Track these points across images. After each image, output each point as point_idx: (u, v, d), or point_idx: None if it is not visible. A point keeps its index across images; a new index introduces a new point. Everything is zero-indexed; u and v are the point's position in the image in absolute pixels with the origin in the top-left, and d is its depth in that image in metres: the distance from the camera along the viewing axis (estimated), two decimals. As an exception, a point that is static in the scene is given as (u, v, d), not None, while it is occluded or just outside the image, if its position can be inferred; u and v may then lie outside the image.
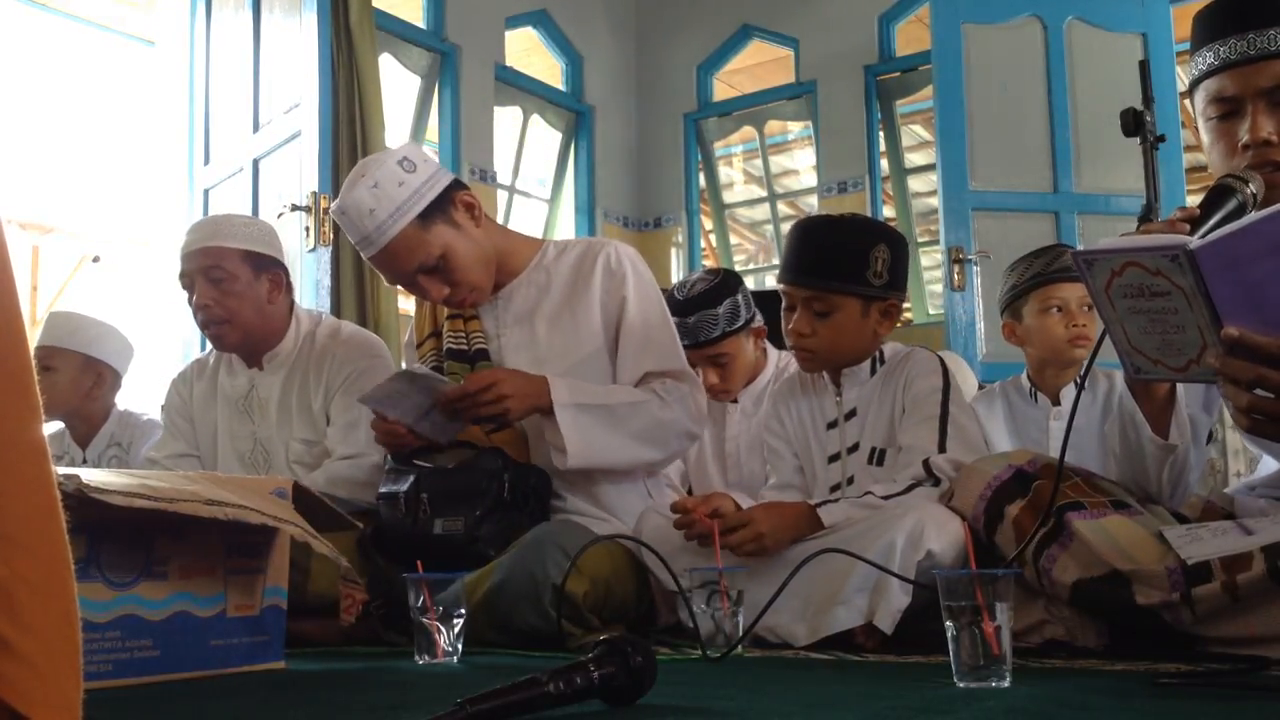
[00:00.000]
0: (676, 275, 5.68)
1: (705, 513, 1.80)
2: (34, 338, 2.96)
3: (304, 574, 1.86)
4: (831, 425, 2.06)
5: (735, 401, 2.62)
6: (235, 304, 2.37)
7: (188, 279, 2.40)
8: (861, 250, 1.95)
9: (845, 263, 1.94)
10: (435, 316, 2.26)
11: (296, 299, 2.61)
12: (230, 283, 2.37)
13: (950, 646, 1.18)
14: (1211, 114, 1.53)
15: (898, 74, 5.31)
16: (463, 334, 2.18)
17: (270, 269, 2.44)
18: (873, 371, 2.03)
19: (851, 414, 2.03)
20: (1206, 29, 1.54)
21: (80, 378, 2.95)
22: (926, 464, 1.82)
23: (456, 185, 2.07)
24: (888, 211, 5.69)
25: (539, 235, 3.55)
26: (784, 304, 2.03)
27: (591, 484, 2.08)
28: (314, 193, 3.52)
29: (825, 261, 1.96)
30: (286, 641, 1.60)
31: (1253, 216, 1.18)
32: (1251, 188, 1.38)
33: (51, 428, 3.03)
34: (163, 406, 2.61)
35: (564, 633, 1.73)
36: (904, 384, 1.97)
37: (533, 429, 2.08)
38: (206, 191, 4.19)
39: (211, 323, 2.37)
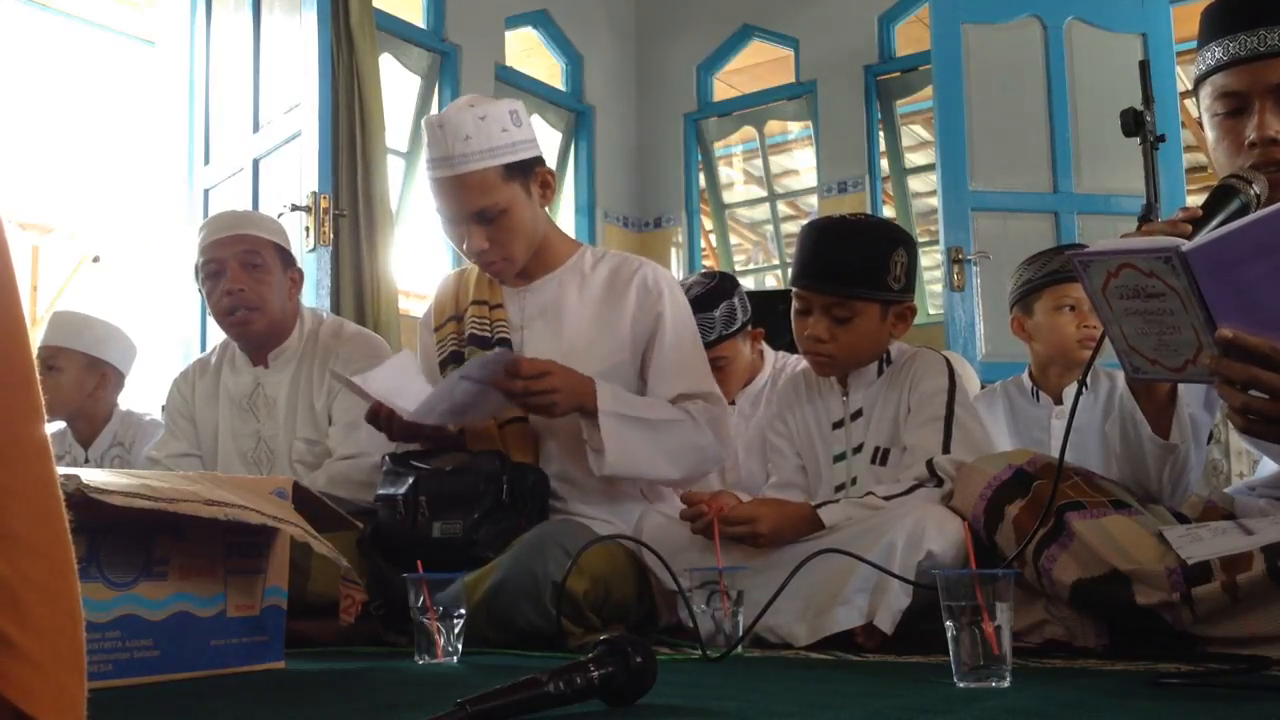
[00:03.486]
0: (676, 276, 5.67)
1: (713, 508, 1.80)
2: (34, 338, 2.96)
3: (304, 574, 1.86)
4: (837, 425, 2.05)
5: (733, 404, 2.61)
6: (267, 293, 2.41)
7: (217, 265, 2.40)
8: (883, 255, 1.93)
9: (867, 268, 1.93)
10: (458, 300, 2.24)
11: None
12: (264, 272, 2.41)
13: (950, 646, 1.18)
14: (1218, 110, 1.52)
15: (898, 74, 5.31)
16: (487, 320, 2.17)
17: (293, 266, 2.51)
18: (879, 372, 2.02)
19: (857, 414, 2.03)
20: (1215, 24, 1.52)
21: (84, 378, 2.96)
22: (930, 464, 1.82)
23: (541, 160, 2.12)
24: (888, 211, 5.69)
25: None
26: (797, 306, 2.00)
27: (591, 485, 2.08)
28: (314, 193, 3.52)
29: (847, 267, 1.93)
30: (286, 641, 1.60)
31: (1244, 219, 1.18)
32: (1255, 189, 1.38)
33: (53, 427, 3.04)
34: (164, 406, 2.62)
35: (564, 632, 1.73)
36: (909, 384, 1.96)
37: (545, 429, 2.08)
38: (206, 191, 4.19)
39: (241, 308, 2.38)
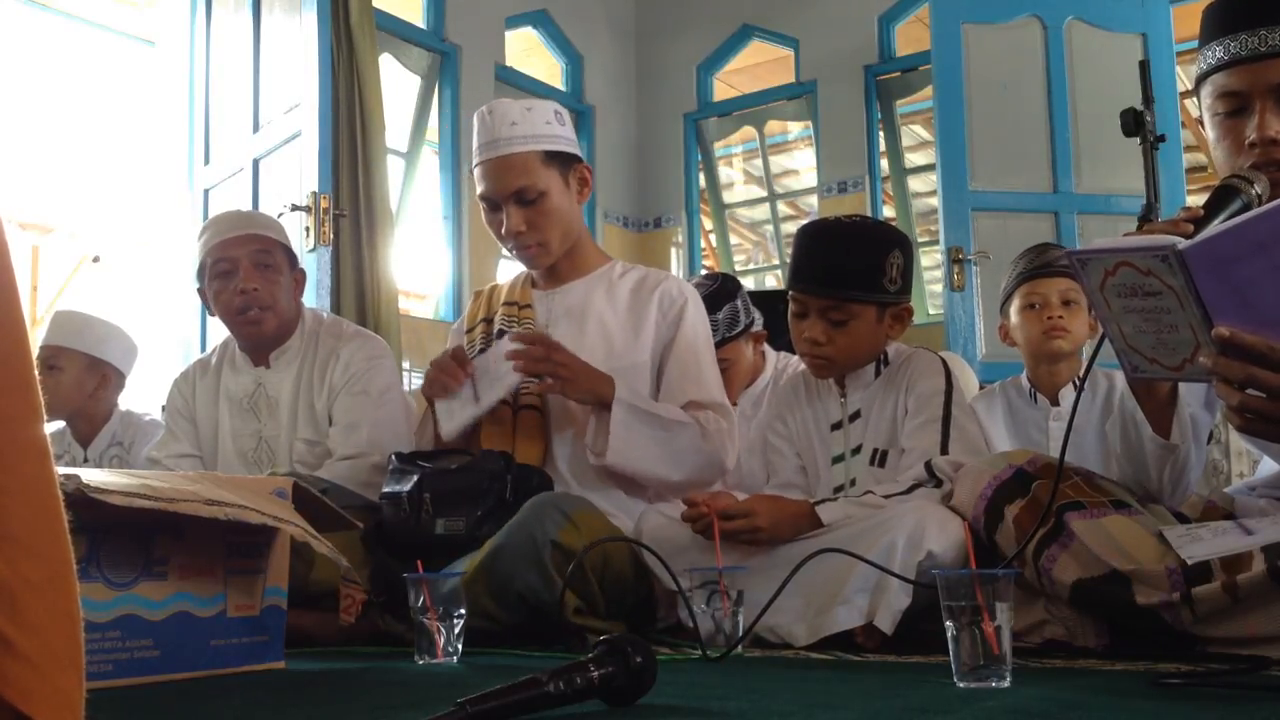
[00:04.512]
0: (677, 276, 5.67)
1: (714, 508, 1.80)
2: (35, 338, 2.97)
3: (307, 563, 1.85)
4: (836, 427, 2.05)
5: (734, 405, 2.61)
6: (278, 293, 2.43)
7: (228, 264, 2.40)
8: (878, 258, 1.93)
9: (862, 271, 1.93)
10: (490, 305, 2.32)
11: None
12: (275, 272, 2.43)
13: (950, 646, 1.18)
14: (1219, 110, 1.51)
15: (898, 74, 5.31)
16: (515, 319, 2.24)
17: (297, 267, 2.52)
18: (877, 373, 2.03)
19: (855, 415, 2.03)
20: (1216, 23, 1.52)
21: (85, 378, 2.96)
22: (929, 465, 1.82)
23: (581, 160, 2.22)
24: (888, 211, 5.69)
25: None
26: (793, 309, 2.01)
27: (598, 478, 2.09)
28: (314, 193, 3.52)
29: (843, 270, 1.93)
30: (287, 636, 1.60)
31: (1239, 217, 1.18)
32: (1256, 188, 1.37)
33: (52, 427, 3.04)
34: (164, 406, 2.61)
35: (563, 598, 1.72)
36: (907, 385, 1.97)
37: (557, 418, 2.12)
38: (206, 191, 4.19)
39: (254, 307, 2.39)
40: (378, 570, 1.89)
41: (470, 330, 2.32)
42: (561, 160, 2.14)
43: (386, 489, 2.01)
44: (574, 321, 2.19)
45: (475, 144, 2.16)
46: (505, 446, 2.08)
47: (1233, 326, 1.17)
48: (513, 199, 2.11)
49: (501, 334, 2.21)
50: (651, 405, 2.07)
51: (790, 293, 2.02)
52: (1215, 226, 1.22)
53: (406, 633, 1.67)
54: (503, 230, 2.15)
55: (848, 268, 1.94)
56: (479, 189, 2.16)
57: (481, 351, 2.22)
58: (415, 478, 1.98)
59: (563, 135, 2.16)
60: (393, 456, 2.08)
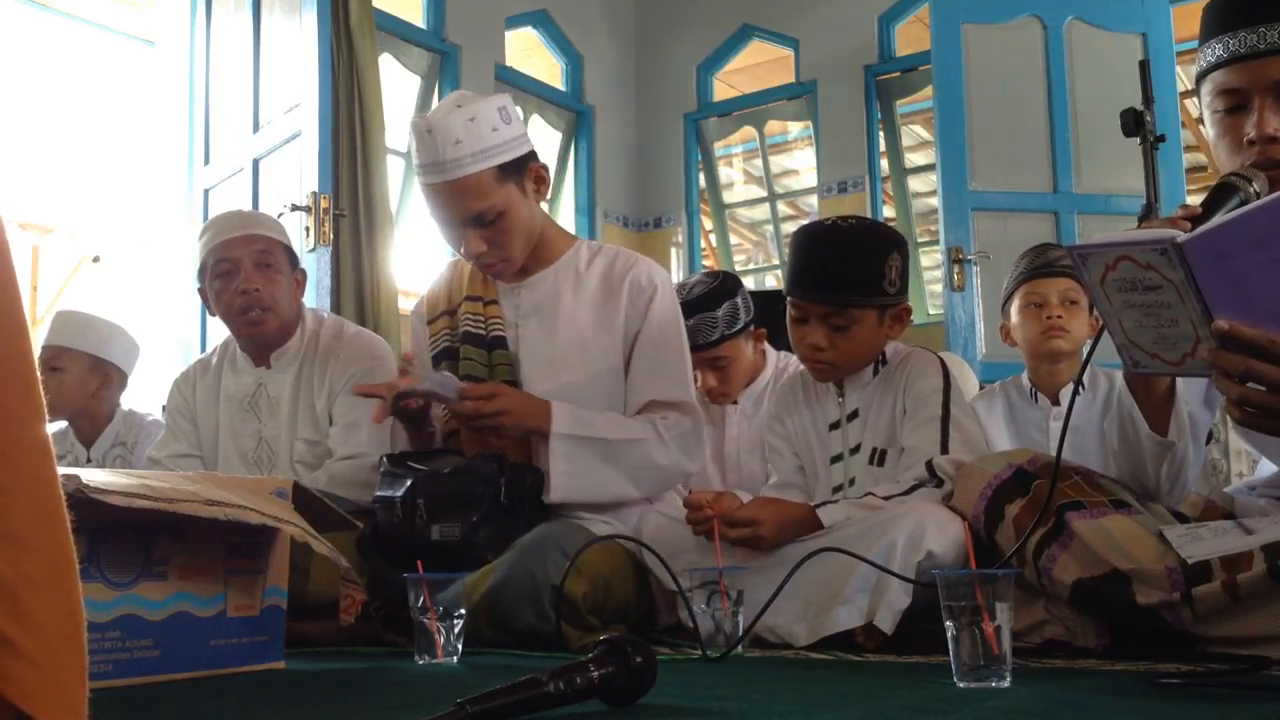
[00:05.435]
0: (677, 276, 5.68)
1: (717, 510, 1.80)
2: (36, 338, 2.97)
3: (303, 575, 1.86)
4: (834, 426, 2.05)
5: (735, 404, 2.61)
6: (279, 293, 2.42)
7: (230, 264, 2.40)
8: (877, 262, 1.93)
9: (863, 276, 1.92)
10: (451, 296, 2.23)
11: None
12: (276, 272, 2.43)
13: (950, 646, 1.18)
14: (1218, 107, 1.51)
15: (898, 74, 5.31)
16: (481, 318, 2.15)
17: (298, 267, 2.52)
18: (875, 373, 2.02)
19: (854, 415, 2.03)
20: (1216, 21, 1.52)
21: (87, 378, 2.96)
22: (929, 465, 1.82)
23: (534, 155, 2.08)
24: (888, 211, 5.69)
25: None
26: (793, 314, 2.00)
27: None
28: (314, 193, 3.52)
29: (842, 276, 1.92)
30: (286, 641, 1.60)
31: (1238, 210, 1.18)
32: (1255, 186, 1.37)
33: (55, 427, 3.04)
34: (164, 406, 2.61)
35: (563, 635, 1.73)
36: (905, 385, 1.96)
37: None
38: (206, 191, 4.19)
39: (256, 307, 2.39)
40: (374, 581, 1.87)
41: (433, 321, 2.23)
42: (515, 168, 2.01)
43: (379, 493, 1.98)
44: (544, 321, 2.11)
45: (416, 161, 1.98)
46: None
47: (1232, 320, 1.17)
48: (470, 223, 1.99)
49: (468, 335, 2.13)
50: (595, 428, 1.98)
51: (789, 297, 2.01)
52: (1214, 221, 1.23)
53: (407, 645, 1.66)
54: (461, 250, 2.06)
55: (848, 273, 1.93)
56: (429, 209, 2.01)
57: (446, 349, 2.15)
58: (408, 482, 1.95)
59: (512, 138, 2.00)
60: (384, 458, 2.05)
